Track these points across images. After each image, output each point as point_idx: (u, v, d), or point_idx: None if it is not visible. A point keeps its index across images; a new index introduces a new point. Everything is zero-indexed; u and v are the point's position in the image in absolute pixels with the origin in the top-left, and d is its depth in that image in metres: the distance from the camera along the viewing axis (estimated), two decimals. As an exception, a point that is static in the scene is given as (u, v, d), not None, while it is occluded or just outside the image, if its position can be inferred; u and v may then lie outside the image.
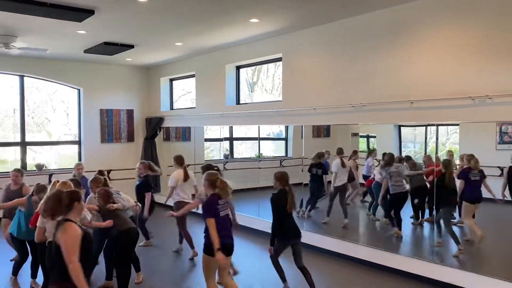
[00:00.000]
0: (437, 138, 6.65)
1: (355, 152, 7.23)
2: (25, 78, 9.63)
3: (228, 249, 4.27)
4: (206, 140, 10.58)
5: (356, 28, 6.23)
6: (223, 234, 4.21)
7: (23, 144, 9.66)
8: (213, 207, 4.24)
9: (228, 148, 10.09)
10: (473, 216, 5.67)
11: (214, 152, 10.83)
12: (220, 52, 8.78)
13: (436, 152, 6.69)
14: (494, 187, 5.70)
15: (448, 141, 6.80)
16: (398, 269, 5.64)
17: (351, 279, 5.66)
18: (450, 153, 6.48)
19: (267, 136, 9.92)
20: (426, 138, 6.97)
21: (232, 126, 9.64)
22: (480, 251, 5.89)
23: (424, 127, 6.84)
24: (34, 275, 5.22)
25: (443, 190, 5.56)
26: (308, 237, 6.52)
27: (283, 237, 4.96)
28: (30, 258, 5.25)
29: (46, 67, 9.59)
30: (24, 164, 9.54)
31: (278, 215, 4.88)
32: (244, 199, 9.25)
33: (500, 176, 5.69)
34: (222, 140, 9.78)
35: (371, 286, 5.40)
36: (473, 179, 5.57)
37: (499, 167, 5.70)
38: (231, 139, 10.10)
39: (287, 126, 9.15)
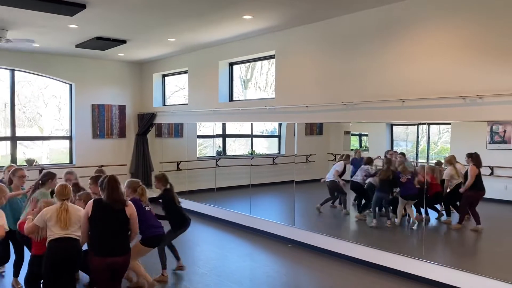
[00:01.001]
0: (428, 137, 6.68)
1: (347, 157, 7.17)
2: (15, 72, 9.53)
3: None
4: (199, 136, 10.55)
5: (348, 27, 6.23)
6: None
7: (13, 139, 9.57)
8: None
9: (221, 145, 10.07)
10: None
11: (208, 149, 10.80)
12: (213, 49, 8.75)
13: (428, 151, 6.73)
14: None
15: (440, 140, 6.82)
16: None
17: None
18: (390, 152, 6.90)
19: (261, 134, 9.90)
20: (417, 137, 6.98)
21: (225, 123, 9.62)
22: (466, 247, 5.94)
23: (416, 126, 6.86)
24: (16, 274, 5.15)
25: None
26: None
27: (177, 227, 5.58)
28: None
29: (37, 61, 9.50)
30: (14, 159, 9.46)
31: (171, 210, 5.65)
32: (236, 196, 9.27)
33: (490, 175, 5.73)
34: (214, 137, 9.75)
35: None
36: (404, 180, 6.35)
37: (489, 166, 5.73)
38: (223, 136, 10.08)
39: (280, 124, 9.15)
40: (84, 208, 4.25)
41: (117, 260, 4.05)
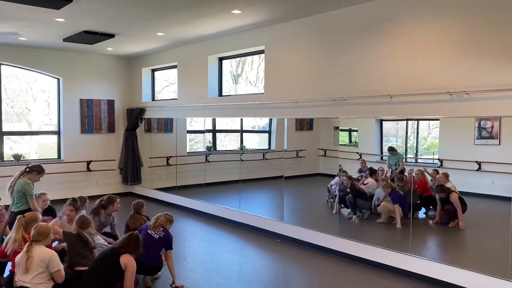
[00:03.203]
0: (417, 133, 6.72)
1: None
2: (2, 66, 9.40)
3: None
4: (189, 132, 10.51)
5: (337, 22, 6.22)
6: None
7: (0, 134, 9.44)
8: None
9: (211, 140, 10.04)
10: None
11: (199, 144, 10.76)
12: (202, 43, 8.70)
13: (416, 147, 6.77)
14: (471, 181, 5.80)
15: (430, 136, 6.87)
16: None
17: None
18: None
19: (252, 129, 9.88)
20: (407, 132, 7.02)
21: (215, 118, 9.59)
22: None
23: (405, 122, 6.90)
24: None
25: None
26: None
27: None
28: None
29: (24, 55, 9.37)
30: (1, 154, 9.34)
31: None
32: (226, 192, 9.25)
33: (477, 170, 5.78)
34: (204, 132, 9.72)
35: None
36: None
37: (476, 161, 5.79)
38: (213, 131, 10.05)
39: (271, 119, 9.14)
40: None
41: None
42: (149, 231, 5.02)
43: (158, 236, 4.98)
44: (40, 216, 4.73)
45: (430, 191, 6.31)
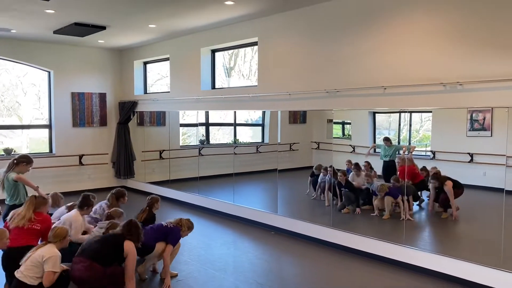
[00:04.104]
0: (410, 125, 6.74)
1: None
2: (-9, 59, 9.28)
3: None
4: (182, 125, 10.45)
5: (330, 13, 6.19)
6: None
7: (-10, 128, 9.34)
8: None
9: (204, 134, 10.00)
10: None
11: (192, 138, 10.72)
12: (195, 35, 8.63)
13: (409, 139, 6.79)
14: (463, 173, 5.83)
15: (422, 128, 6.90)
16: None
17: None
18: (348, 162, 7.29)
19: (246, 122, 9.85)
20: (399, 125, 7.04)
21: (208, 112, 9.54)
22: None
23: (398, 114, 6.92)
24: None
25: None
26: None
27: None
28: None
29: (14, 47, 9.23)
30: (-9, 149, 9.25)
31: None
32: (220, 185, 9.24)
33: (469, 162, 5.82)
34: (197, 126, 9.67)
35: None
36: None
37: (469, 153, 5.82)
38: (207, 125, 10.00)
39: (264, 112, 9.12)
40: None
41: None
42: (163, 222, 5.09)
43: (166, 225, 5.00)
44: (50, 201, 4.88)
45: (420, 175, 6.31)
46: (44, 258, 3.89)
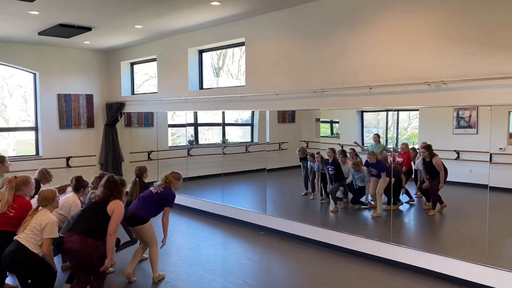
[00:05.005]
0: (397, 123, 6.78)
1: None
2: (-25, 61, 9.15)
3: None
4: (170, 125, 10.40)
5: (316, 13, 6.21)
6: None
7: (-25, 131, 9.21)
8: None
9: (193, 134, 9.96)
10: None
11: (181, 138, 10.66)
12: (181, 36, 8.59)
13: (397, 137, 6.83)
14: (450, 170, 5.88)
15: (410, 126, 6.94)
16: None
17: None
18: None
19: (235, 122, 9.82)
20: (387, 123, 7.08)
21: (196, 112, 9.50)
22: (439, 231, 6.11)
23: (385, 112, 6.96)
24: None
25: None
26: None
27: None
28: None
29: (-3, 49, 9.13)
30: (-24, 152, 9.11)
31: None
32: (209, 185, 9.21)
33: (456, 159, 5.87)
34: (186, 126, 9.63)
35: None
36: None
37: (455, 150, 5.87)
38: (195, 125, 9.96)
39: (253, 112, 9.11)
40: None
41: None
42: (151, 188, 5.08)
43: (156, 191, 4.99)
44: (32, 178, 4.63)
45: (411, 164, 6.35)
46: (42, 225, 3.90)
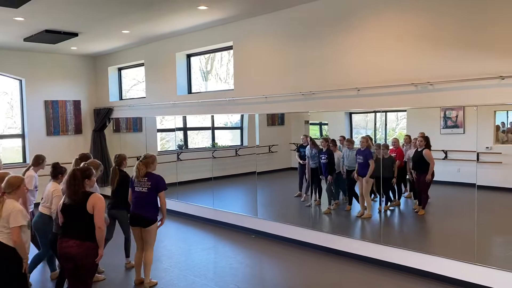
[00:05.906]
0: (385, 124, 6.83)
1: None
2: (-41, 68, 9.01)
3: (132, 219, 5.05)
4: (159, 130, 10.35)
5: (303, 16, 6.24)
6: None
7: (-40, 139, 9.06)
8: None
9: (183, 139, 9.93)
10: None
11: (170, 143, 10.62)
12: (169, 40, 8.57)
13: (385, 138, 6.89)
14: (438, 170, 5.94)
15: (398, 127, 7.01)
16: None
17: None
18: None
19: (224, 126, 9.81)
20: (375, 124, 7.14)
21: (185, 116, 9.48)
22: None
23: (374, 114, 7.02)
24: None
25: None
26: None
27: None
28: None
29: (-17, 56, 9.02)
30: (-38, 160, 8.95)
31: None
32: (199, 190, 9.19)
33: (444, 159, 5.93)
34: (175, 131, 9.60)
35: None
36: None
37: (443, 150, 5.94)
38: (185, 129, 9.94)
39: (243, 115, 9.11)
40: None
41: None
42: (136, 188, 4.98)
43: (146, 188, 4.93)
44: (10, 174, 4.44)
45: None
46: (7, 217, 3.71)
